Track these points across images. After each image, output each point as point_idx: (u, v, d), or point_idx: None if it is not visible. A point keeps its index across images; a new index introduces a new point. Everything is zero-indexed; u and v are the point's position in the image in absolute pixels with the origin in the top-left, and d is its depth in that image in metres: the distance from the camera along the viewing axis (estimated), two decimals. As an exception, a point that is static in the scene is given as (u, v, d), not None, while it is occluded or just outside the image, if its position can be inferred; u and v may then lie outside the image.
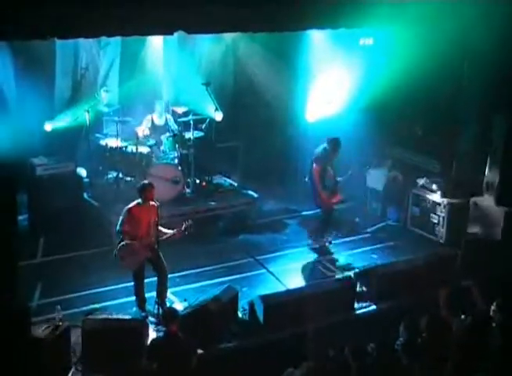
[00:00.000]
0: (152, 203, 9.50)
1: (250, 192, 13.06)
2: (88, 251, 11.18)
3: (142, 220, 9.43)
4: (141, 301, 9.72)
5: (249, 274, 11.02)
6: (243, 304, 9.73)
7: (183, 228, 9.57)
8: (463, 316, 8.27)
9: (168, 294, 9.84)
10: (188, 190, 12.79)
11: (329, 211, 11.99)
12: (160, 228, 9.55)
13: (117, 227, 9.50)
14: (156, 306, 9.47)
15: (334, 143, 11.57)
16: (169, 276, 9.76)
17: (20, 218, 10.59)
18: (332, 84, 13.55)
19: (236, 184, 13.47)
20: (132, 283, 9.71)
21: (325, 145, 11.60)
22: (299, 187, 13.37)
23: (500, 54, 10.92)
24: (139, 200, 9.48)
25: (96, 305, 9.69)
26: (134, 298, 9.75)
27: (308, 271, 11.25)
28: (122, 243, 9.36)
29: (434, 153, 12.94)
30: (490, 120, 11.48)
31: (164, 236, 9.54)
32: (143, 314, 9.55)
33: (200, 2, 8.78)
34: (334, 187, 11.74)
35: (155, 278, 9.64)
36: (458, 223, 11.86)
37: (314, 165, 11.59)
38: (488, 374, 7.44)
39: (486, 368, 7.53)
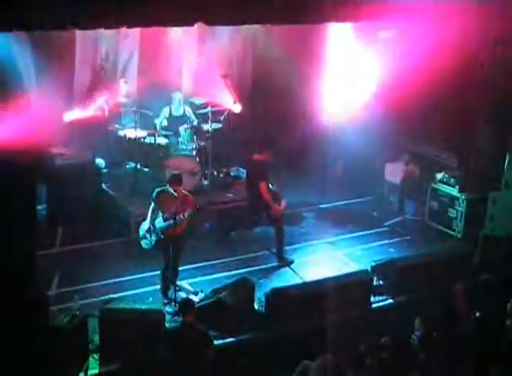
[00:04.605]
0: (184, 192, 9.67)
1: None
2: (105, 241, 11.24)
3: (169, 205, 9.54)
4: (165, 288, 9.82)
5: (265, 266, 11.03)
6: (259, 296, 9.76)
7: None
8: (478, 313, 8.25)
9: (185, 284, 9.98)
10: (205, 182, 12.81)
11: None
12: None
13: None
14: (173, 290, 9.57)
15: None
16: (186, 267, 9.93)
17: (39, 207, 10.65)
18: (351, 78, 13.49)
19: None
20: (149, 274, 9.80)
21: None
22: (317, 180, 13.34)
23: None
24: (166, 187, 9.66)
25: (114, 295, 9.77)
26: (151, 288, 9.87)
27: (325, 264, 11.24)
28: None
29: (453, 148, 12.86)
30: (510, 114, 11.39)
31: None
32: (165, 301, 9.65)
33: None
34: None
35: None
36: (476, 218, 11.79)
37: None
38: (503, 369, 7.42)
39: (501, 363, 7.51)
